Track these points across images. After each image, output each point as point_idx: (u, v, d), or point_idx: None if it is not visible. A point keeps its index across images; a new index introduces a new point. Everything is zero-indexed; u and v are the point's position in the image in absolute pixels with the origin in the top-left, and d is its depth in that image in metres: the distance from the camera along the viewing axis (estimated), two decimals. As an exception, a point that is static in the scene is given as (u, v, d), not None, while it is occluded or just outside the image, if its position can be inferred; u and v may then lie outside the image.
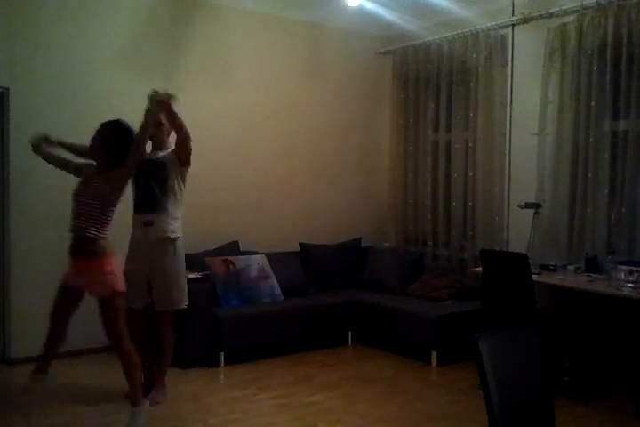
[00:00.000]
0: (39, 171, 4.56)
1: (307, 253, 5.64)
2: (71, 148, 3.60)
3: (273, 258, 5.28)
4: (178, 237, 3.83)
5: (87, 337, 4.66)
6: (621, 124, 4.43)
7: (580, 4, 4.50)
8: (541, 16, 4.77)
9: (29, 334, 4.52)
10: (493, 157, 5.24)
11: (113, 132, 3.37)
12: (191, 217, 5.10)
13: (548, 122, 4.80)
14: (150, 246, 3.76)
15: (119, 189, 3.34)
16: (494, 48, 5.19)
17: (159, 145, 3.86)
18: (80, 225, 3.25)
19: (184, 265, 3.92)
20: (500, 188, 5.20)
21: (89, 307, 3.37)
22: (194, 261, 4.82)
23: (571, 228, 4.69)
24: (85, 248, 3.25)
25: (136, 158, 3.42)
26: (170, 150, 3.83)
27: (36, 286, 4.49)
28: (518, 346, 2.00)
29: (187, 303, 3.93)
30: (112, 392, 3.87)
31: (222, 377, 4.43)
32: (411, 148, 6.04)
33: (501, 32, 5.16)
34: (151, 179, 3.73)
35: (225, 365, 4.57)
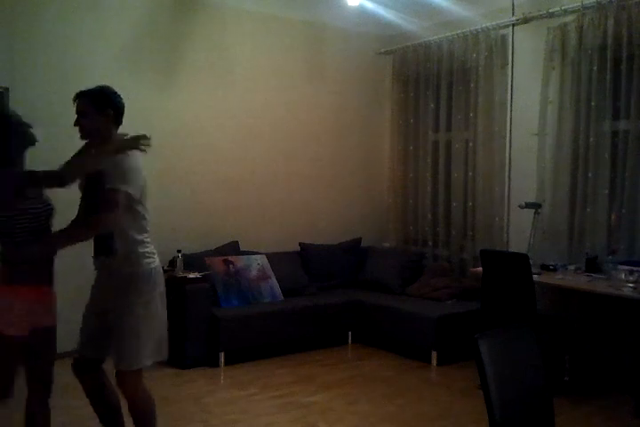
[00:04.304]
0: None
1: (307, 253, 5.64)
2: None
3: (273, 258, 5.28)
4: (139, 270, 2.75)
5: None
6: (622, 124, 4.43)
7: (580, 3, 4.50)
8: (541, 16, 4.78)
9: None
10: (493, 157, 5.24)
11: None
12: (191, 217, 5.16)
13: (547, 122, 4.80)
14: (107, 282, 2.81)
15: None
16: (494, 48, 5.19)
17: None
18: None
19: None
20: (500, 188, 5.20)
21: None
22: (194, 261, 4.84)
23: (571, 228, 4.68)
24: None
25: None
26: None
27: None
28: (518, 346, 2.00)
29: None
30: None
31: (222, 377, 4.43)
32: (411, 148, 6.04)
33: (501, 32, 5.16)
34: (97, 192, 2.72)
35: (225, 365, 4.57)
